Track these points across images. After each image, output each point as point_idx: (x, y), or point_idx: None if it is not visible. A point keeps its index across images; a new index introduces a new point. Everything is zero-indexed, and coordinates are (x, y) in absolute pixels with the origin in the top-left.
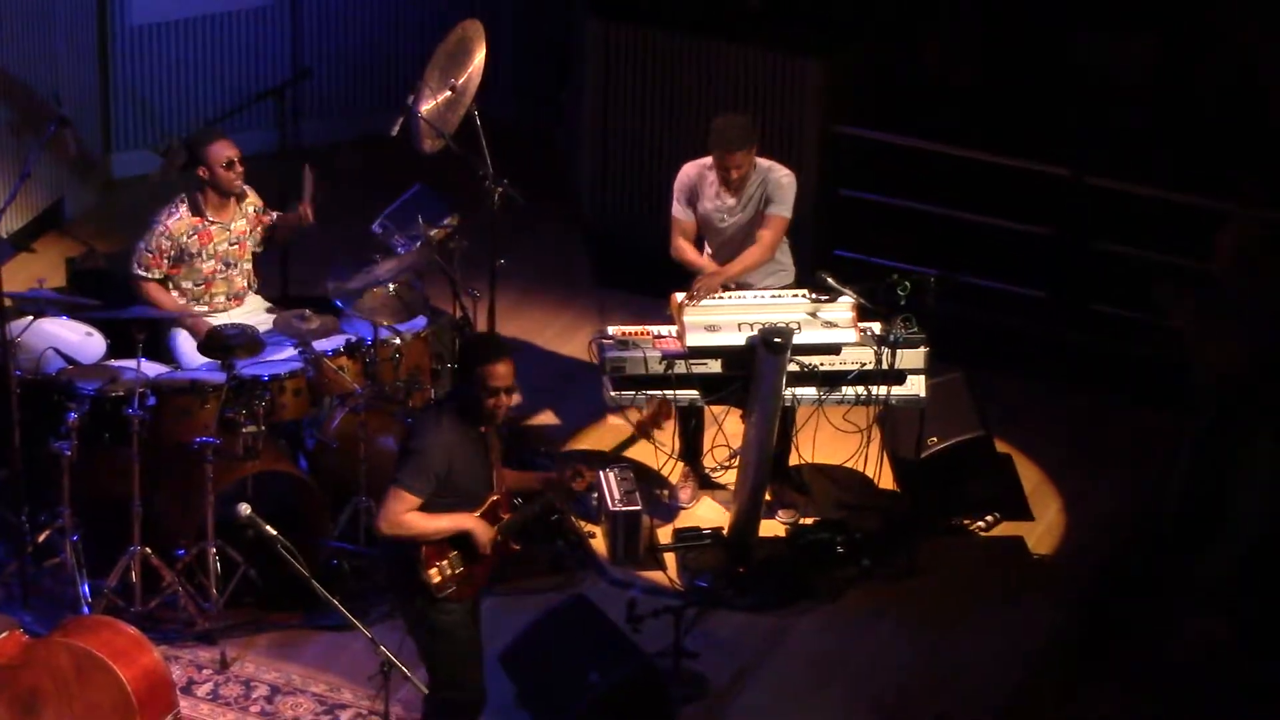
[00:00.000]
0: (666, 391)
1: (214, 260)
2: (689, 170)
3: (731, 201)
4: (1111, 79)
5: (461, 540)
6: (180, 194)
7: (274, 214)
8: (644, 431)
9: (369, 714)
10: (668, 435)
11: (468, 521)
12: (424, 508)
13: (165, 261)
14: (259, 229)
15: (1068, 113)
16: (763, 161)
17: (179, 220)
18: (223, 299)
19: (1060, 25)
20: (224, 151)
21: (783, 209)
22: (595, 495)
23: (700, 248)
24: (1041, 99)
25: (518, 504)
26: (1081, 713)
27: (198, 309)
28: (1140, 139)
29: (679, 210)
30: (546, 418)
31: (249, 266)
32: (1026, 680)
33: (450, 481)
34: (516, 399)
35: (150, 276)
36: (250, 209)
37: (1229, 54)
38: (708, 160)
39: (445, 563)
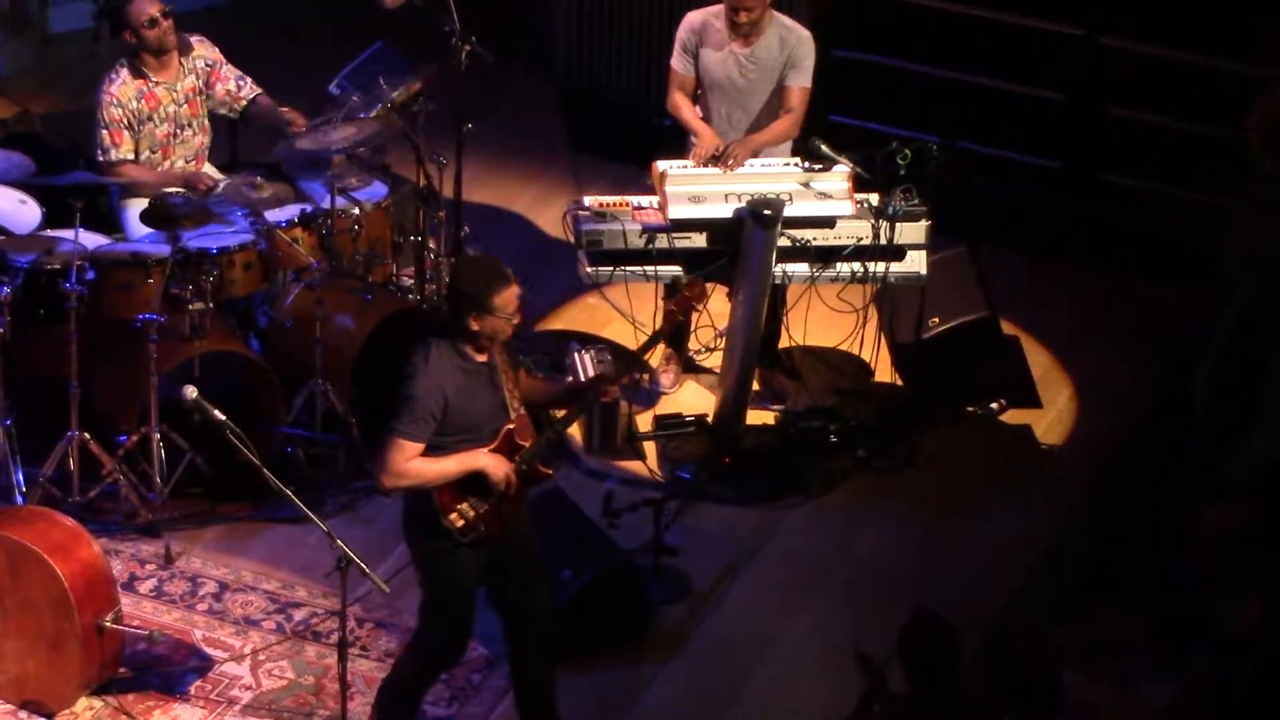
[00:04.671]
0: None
1: (167, 123)
2: (692, 18)
3: (743, 51)
4: None
5: (477, 480)
6: (119, 59)
7: (256, 90)
8: (673, 320)
9: (325, 613)
10: (648, 315)
11: (478, 460)
12: (433, 450)
13: (126, 133)
14: (218, 86)
15: None
16: (781, 17)
17: (123, 85)
18: (181, 163)
19: None
20: (145, 9)
21: (807, 79)
22: (569, 378)
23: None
24: None
25: (540, 428)
26: (1083, 623)
27: None
28: None
29: (678, 62)
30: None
31: (206, 123)
32: (1031, 582)
33: (451, 421)
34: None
35: (122, 156)
36: (199, 63)
37: None
38: (715, 8)
39: (465, 505)
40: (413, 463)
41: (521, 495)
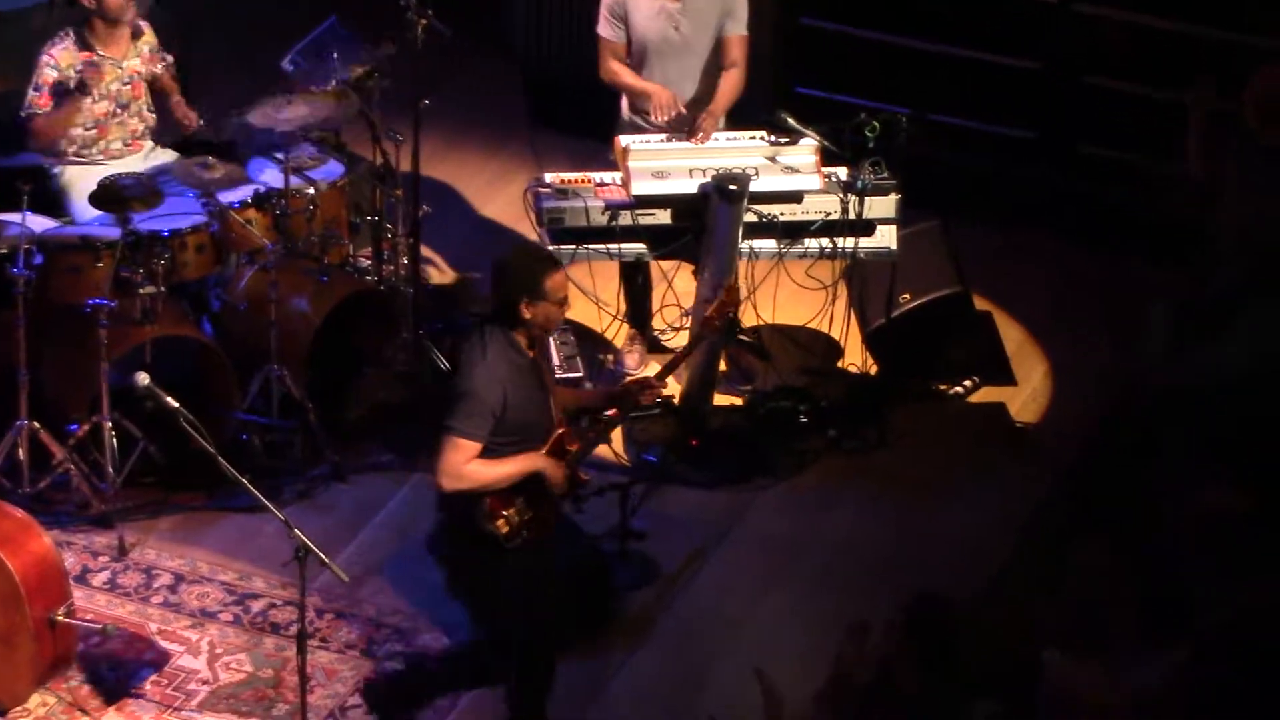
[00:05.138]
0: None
1: (107, 100)
2: None
3: (674, 6)
4: None
5: (527, 483)
6: (65, 28)
7: (175, 83)
8: (711, 328)
9: (283, 604)
10: (611, 294)
11: (537, 461)
12: (484, 454)
13: (54, 99)
14: (157, 69)
15: None
16: None
17: (65, 50)
18: (119, 144)
19: None
20: None
21: (744, 26)
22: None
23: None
24: None
25: (582, 431)
26: (1069, 598)
27: (93, 156)
28: None
29: (606, 29)
30: (476, 275)
31: (148, 111)
32: (1008, 563)
33: (507, 420)
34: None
35: (38, 113)
36: (145, 48)
37: None
38: None
39: (512, 511)
40: (472, 465)
41: (562, 501)
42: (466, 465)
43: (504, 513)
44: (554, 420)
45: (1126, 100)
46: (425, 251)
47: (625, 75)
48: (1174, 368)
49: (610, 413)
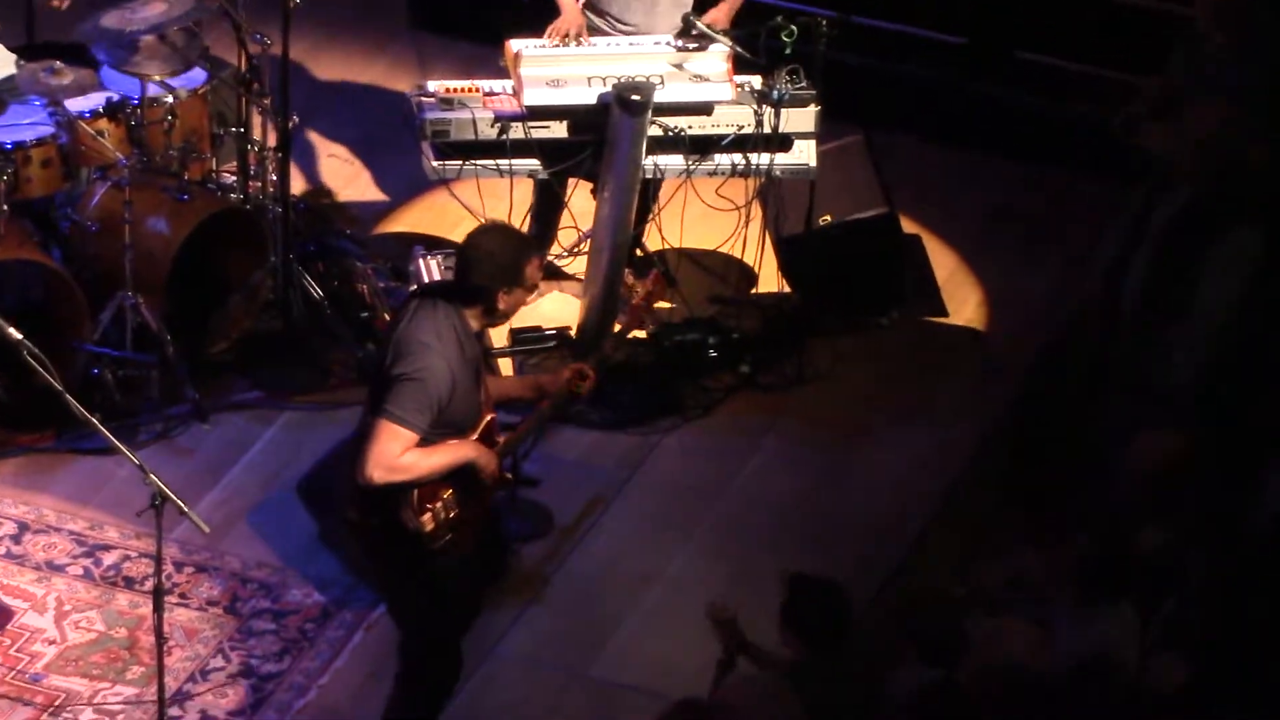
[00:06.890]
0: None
1: None
2: None
3: None
4: None
5: (456, 474)
6: None
7: None
8: (639, 319)
9: (138, 556)
10: (501, 215)
11: (468, 450)
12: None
13: None
14: None
15: None
16: None
17: None
18: None
19: None
20: None
21: None
22: (413, 287)
23: None
24: None
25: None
26: (1001, 553)
27: None
28: None
29: None
30: (352, 192)
31: None
32: (940, 512)
33: (446, 409)
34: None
35: None
36: None
37: None
38: None
39: (439, 505)
40: (408, 455)
41: (488, 501)
42: (402, 457)
43: (430, 506)
44: (484, 406)
45: (1067, 1)
46: (295, 167)
47: None
48: (1139, 306)
49: (543, 404)
